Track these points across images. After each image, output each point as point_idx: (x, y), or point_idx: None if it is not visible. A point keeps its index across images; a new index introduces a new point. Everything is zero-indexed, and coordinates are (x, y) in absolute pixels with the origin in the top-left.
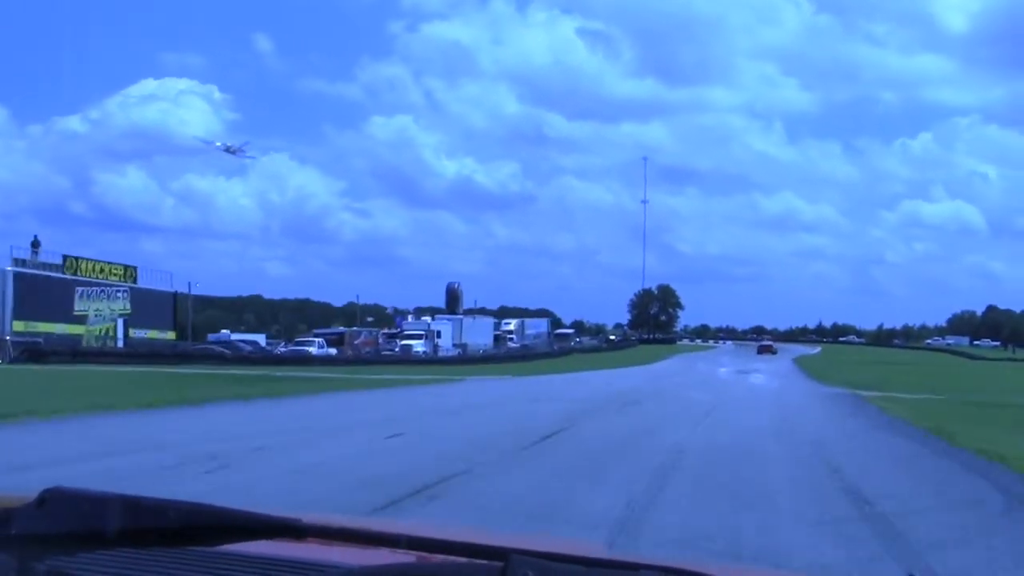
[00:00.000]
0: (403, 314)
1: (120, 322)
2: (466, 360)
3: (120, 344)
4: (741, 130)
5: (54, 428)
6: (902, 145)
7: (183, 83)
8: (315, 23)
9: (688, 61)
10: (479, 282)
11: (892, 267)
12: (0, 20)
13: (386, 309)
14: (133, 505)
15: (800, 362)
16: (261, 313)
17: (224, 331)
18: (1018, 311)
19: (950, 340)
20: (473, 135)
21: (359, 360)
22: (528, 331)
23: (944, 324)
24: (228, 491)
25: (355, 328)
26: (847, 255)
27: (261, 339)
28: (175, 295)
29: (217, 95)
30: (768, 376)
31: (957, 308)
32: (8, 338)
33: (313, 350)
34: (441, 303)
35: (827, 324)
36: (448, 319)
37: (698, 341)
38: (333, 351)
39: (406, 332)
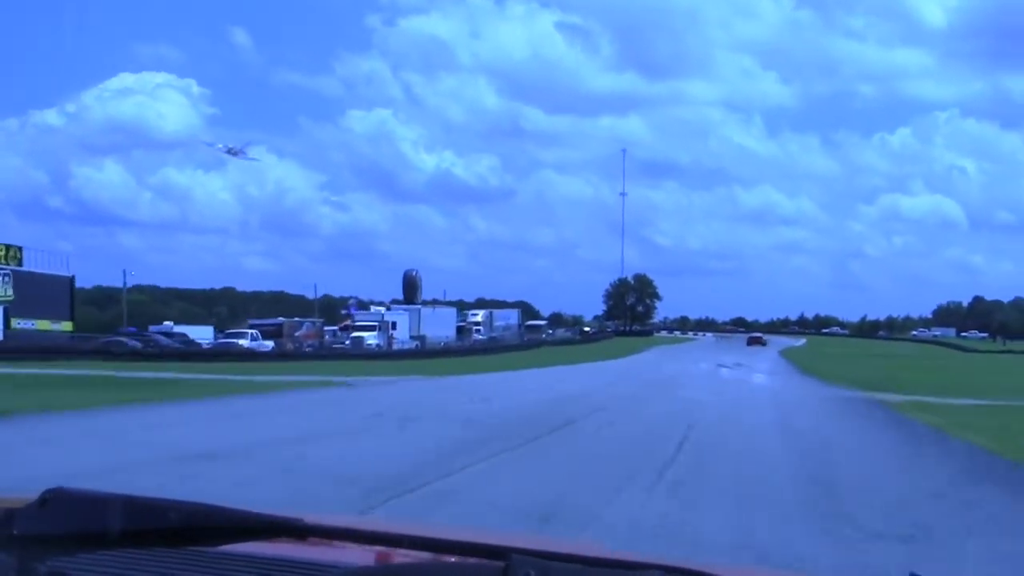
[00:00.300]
0: (367, 306)
1: None
2: (421, 354)
3: None
4: (720, 123)
5: None
6: (881, 139)
7: (161, 77)
8: (293, 17)
9: (666, 54)
10: (459, 276)
11: (871, 260)
12: None
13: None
14: (134, 505)
15: (788, 355)
16: (235, 306)
17: (167, 322)
18: (1006, 301)
19: (936, 332)
20: (452, 129)
21: (297, 355)
22: (497, 323)
23: (929, 315)
24: None
25: (296, 319)
26: (826, 249)
27: (208, 331)
28: (71, 281)
29: (195, 89)
30: (756, 373)
31: (936, 301)
32: None
33: (245, 343)
34: (442, 296)
35: (808, 316)
36: (405, 309)
37: (676, 333)
38: (269, 344)
39: (357, 323)
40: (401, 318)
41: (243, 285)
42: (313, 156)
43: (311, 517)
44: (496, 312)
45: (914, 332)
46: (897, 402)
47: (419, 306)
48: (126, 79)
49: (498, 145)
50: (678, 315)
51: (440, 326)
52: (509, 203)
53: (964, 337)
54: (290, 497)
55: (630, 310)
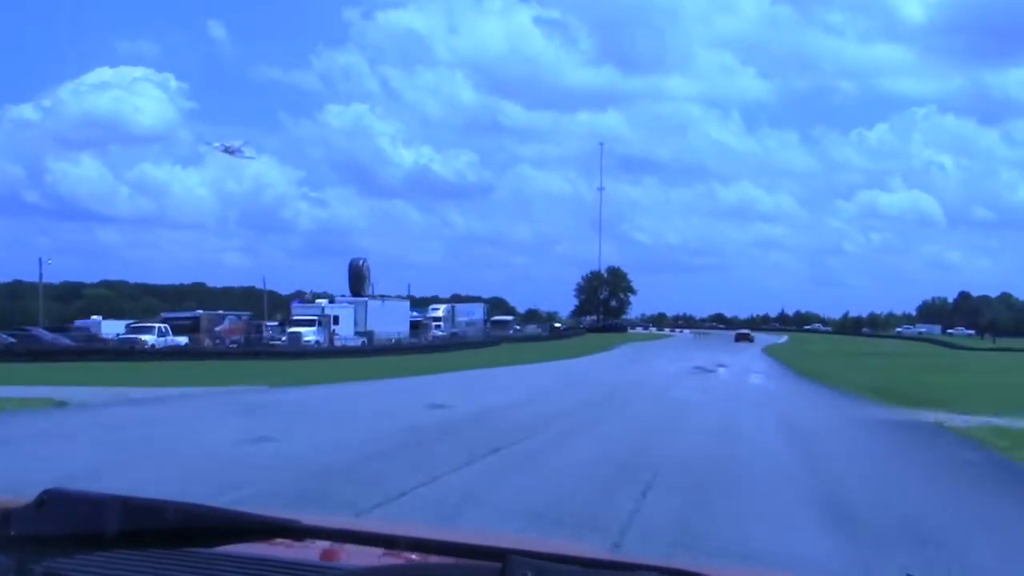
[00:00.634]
0: (314, 299)
1: None
2: (364, 351)
3: None
4: (699, 119)
5: None
6: (859, 135)
7: (139, 71)
8: (271, 10)
9: (645, 50)
10: (437, 271)
11: (850, 257)
12: None
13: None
14: (131, 506)
15: (776, 354)
16: (205, 302)
17: (95, 316)
18: (993, 297)
19: (922, 328)
20: (430, 124)
21: (213, 352)
22: (459, 318)
23: (913, 312)
24: None
25: (219, 312)
26: (805, 245)
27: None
28: None
29: (173, 84)
30: (744, 377)
31: (915, 297)
32: None
33: (150, 339)
34: (398, 290)
35: (788, 313)
36: (349, 302)
37: (652, 329)
38: (182, 340)
39: (295, 318)
40: (345, 312)
41: (221, 281)
42: (291, 151)
43: (308, 518)
44: (459, 307)
45: (898, 329)
46: (962, 426)
47: (366, 299)
48: (104, 73)
49: (476, 140)
50: (656, 311)
51: (391, 321)
52: (487, 199)
53: (950, 334)
54: None
55: (603, 305)
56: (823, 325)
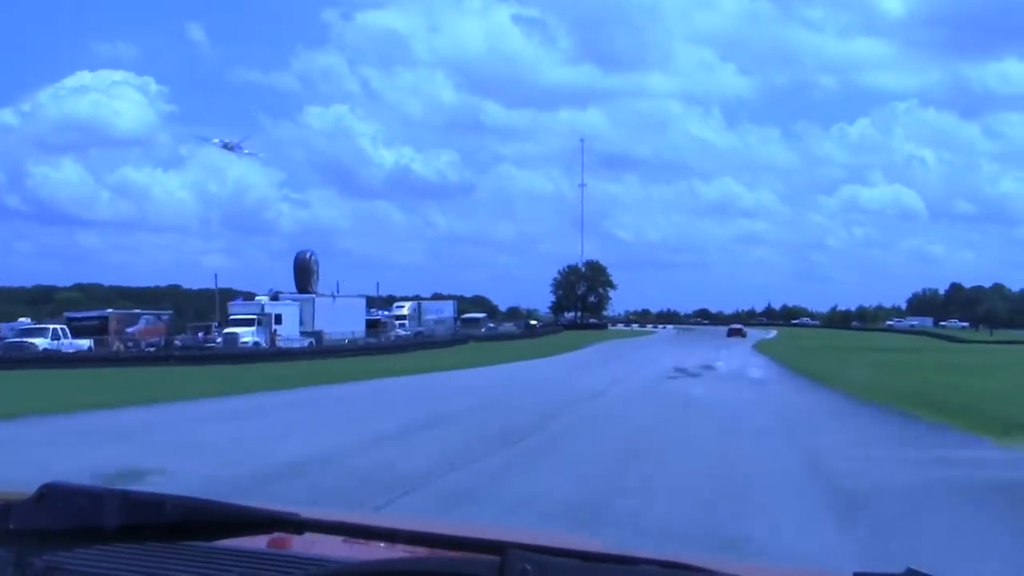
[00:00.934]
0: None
1: None
2: (310, 353)
3: None
4: (679, 116)
5: None
6: (840, 130)
7: (119, 74)
8: (250, 12)
9: (625, 47)
10: (419, 272)
11: (832, 251)
12: None
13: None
14: (131, 500)
15: (769, 351)
16: (181, 304)
17: (23, 319)
18: (987, 287)
19: (913, 321)
20: (410, 124)
21: (121, 357)
22: (427, 316)
23: (903, 305)
24: None
25: (133, 311)
26: (787, 240)
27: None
28: None
29: (153, 87)
30: (736, 386)
31: (898, 290)
32: None
33: (42, 342)
34: (375, 290)
35: (774, 307)
36: (294, 299)
37: (634, 326)
38: (84, 344)
39: (231, 317)
40: (288, 310)
41: (202, 284)
42: (272, 153)
43: (307, 512)
44: (426, 304)
45: (889, 322)
46: None
47: (313, 295)
48: (83, 77)
49: (457, 140)
50: (640, 308)
51: (343, 319)
52: (469, 198)
53: (943, 327)
54: None
55: (581, 301)
56: (811, 319)
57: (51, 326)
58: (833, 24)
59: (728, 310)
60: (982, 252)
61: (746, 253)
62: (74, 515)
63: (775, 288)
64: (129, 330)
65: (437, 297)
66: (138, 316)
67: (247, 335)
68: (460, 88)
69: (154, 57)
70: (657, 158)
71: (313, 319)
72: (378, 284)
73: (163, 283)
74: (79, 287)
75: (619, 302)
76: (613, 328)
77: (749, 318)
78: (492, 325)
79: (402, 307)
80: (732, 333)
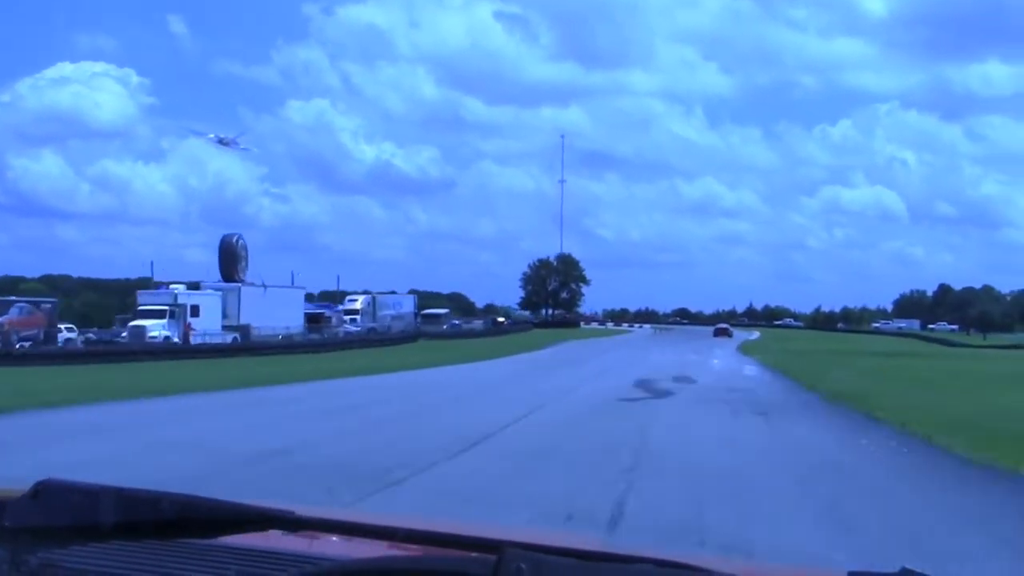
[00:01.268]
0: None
1: None
2: (232, 349)
3: None
4: (661, 115)
5: None
6: (822, 131)
7: (99, 66)
8: (230, 5)
9: (606, 44)
10: (399, 268)
11: (813, 252)
12: None
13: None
14: (126, 497)
15: (757, 353)
16: None
17: None
18: (977, 288)
19: (901, 324)
20: (391, 120)
21: None
22: (383, 311)
23: (889, 306)
24: None
25: (9, 297)
26: (768, 241)
27: None
28: None
29: (134, 79)
30: (721, 411)
31: (876, 290)
32: None
33: None
34: (335, 284)
35: (756, 307)
36: (216, 289)
37: (609, 324)
38: None
39: (139, 308)
40: (207, 301)
41: (179, 277)
42: (253, 146)
43: (303, 510)
44: (382, 298)
45: (875, 324)
46: None
47: (239, 285)
48: (64, 68)
49: (438, 136)
50: (620, 307)
51: (276, 313)
52: (450, 194)
53: (932, 329)
54: None
55: (553, 297)
56: (794, 320)
57: None
58: (815, 24)
59: (708, 310)
60: (963, 255)
61: (727, 253)
62: (70, 512)
63: (756, 288)
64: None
65: (413, 292)
66: (7, 304)
67: (156, 328)
68: (441, 84)
69: (135, 49)
70: (639, 157)
71: (239, 311)
72: (338, 277)
73: (142, 277)
74: (48, 278)
75: (598, 300)
76: (587, 327)
77: (730, 318)
78: (457, 322)
79: (354, 301)
80: (718, 333)
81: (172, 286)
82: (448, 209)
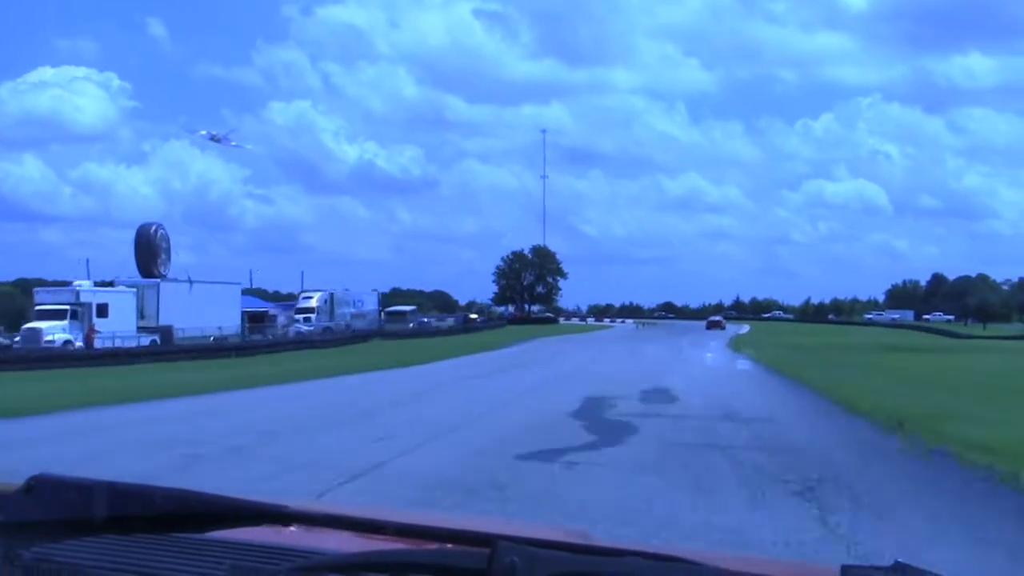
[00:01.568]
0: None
1: None
2: (149, 354)
3: None
4: (643, 111)
5: None
6: (804, 125)
7: (80, 70)
8: (209, 7)
9: (587, 41)
10: (383, 267)
11: (797, 246)
12: None
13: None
14: (119, 492)
15: (755, 352)
16: None
17: None
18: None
19: (894, 315)
20: (373, 120)
21: None
22: (341, 309)
23: (881, 297)
24: None
25: None
26: (753, 235)
27: None
28: None
29: (115, 82)
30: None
31: (861, 283)
32: None
33: None
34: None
35: (743, 300)
36: (130, 285)
37: (590, 320)
38: None
39: (37, 308)
40: (118, 299)
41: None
42: (235, 149)
43: (295, 504)
44: (341, 295)
45: (868, 316)
46: None
47: (158, 280)
48: (45, 73)
49: (420, 135)
50: (605, 303)
51: (205, 312)
52: (433, 193)
53: (927, 320)
54: None
55: (528, 291)
56: (783, 312)
57: None
58: (796, 18)
59: (694, 304)
60: (947, 246)
61: (712, 248)
62: (63, 507)
63: (740, 283)
64: None
65: (395, 292)
66: None
67: (55, 331)
68: (422, 83)
69: (116, 53)
70: (622, 153)
71: (158, 311)
72: (303, 273)
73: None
74: (23, 281)
75: (583, 296)
76: (566, 322)
77: (717, 312)
78: (427, 320)
79: (309, 298)
80: (711, 326)
81: (77, 283)
82: (431, 208)
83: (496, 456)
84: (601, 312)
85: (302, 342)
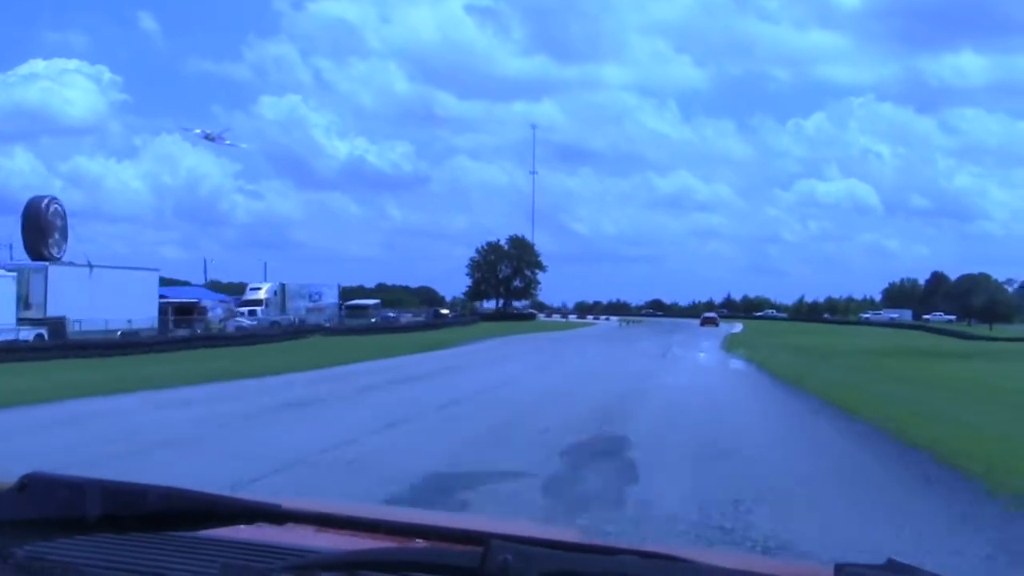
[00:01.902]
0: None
1: None
2: (16, 350)
3: None
4: (634, 108)
5: None
6: (796, 124)
7: (72, 63)
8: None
9: (578, 38)
10: (374, 264)
11: (788, 245)
12: None
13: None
14: (112, 490)
15: (759, 359)
16: None
17: None
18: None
19: (893, 314)
20: (364, 115)
21: None
22: (295, 301)
23: (878, 296)
24: None
25: None
26: (743, 234)
27: None
28: None
29: (107, 76)
30: None
31: (851, 283)
32: None
33: None
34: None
35: (734, 298)
36: (10, 268)
37: (572, 318)
38: None
39: None
40: None
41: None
42: (229, 147)
43: (289, 502)
44: (293, 287)
45: (864, 315)
46: None
47: (45, 264)
48: (36, 65)
49: (411, 131)
50: (593, 300)
51: (112, 301)
52: (424, 190)
53: (927, 320)
54: None
55: (504, 285)
56: (776, 311)
57: None
58: (788, 16)
59: (684, 302)
60: (937, 247)
61: (702, 246)
62: (56, 505)
63: (730, 281)
64: None
65: (381, 288)
66: None
67: None
68: (413, 79)
69: (107, 46)
70: (613, 150)
71: (46, 299)
72: (265, 264)
73: None
74: None
75: (572, 293)
76: (547, 319)
77: (707, 309)
78: (393, 315)
79: (257, 290)
80: (705, 322)
81: None
82: (422, 205)
83: None
84: (587, 309)
85: (234, 338)
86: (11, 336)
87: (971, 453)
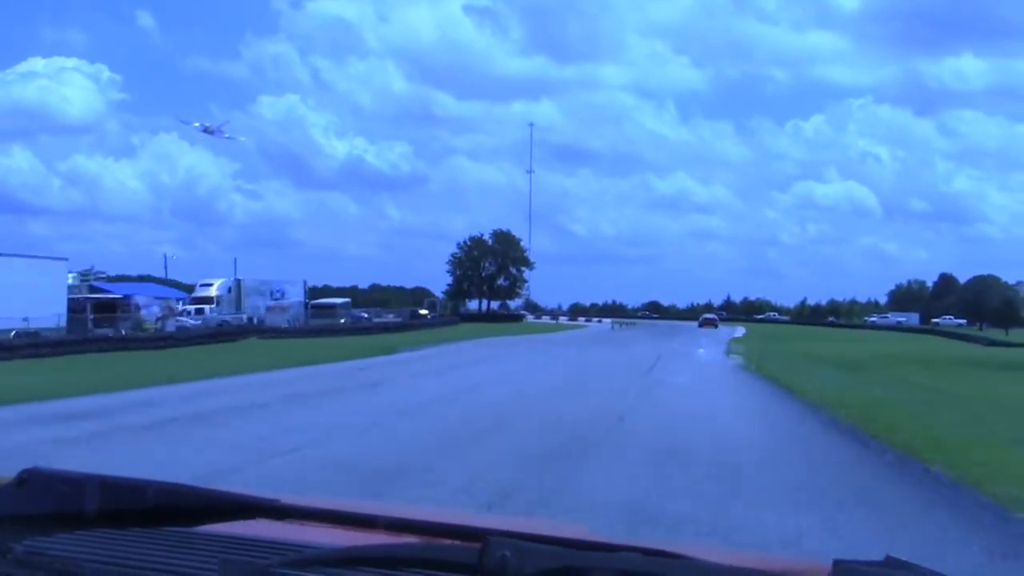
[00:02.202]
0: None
1: None
2: None
3: None
4: (633, 109)
5: None
6: (794, 125)
7: (71, 62)
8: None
9: (577, 38)
10: (372, 263)
11: (786, 247)
12: None
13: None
14: (111, 486)
15: (771, 367)
16: None
17: None
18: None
19: (900, 317)
20: (362, 115)
21: None
22: (251, 299)
23: (882, 299)
24: None
25: None
26: (741, 236)
27: None
28: None
29: (105, 74)
30: None
31: (849, 286)
32: None
33: None
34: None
35: (732, 301)
36: None
37: (562, 319)
38: None
39: None
40: None
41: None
42: (224, 143)
43: (287, 498)
44: (250, 283)
45: (871, 318)
46: None
47: None
48: (35, 64)
49: (409, 131)
50: (590, 302)
51: (10, 297)
52: (422, 190)
53: (935, 324)
54: None
55: (487, 283)
56: (778, 314)
57: None
58: (787, 17)
59: (681, 304)
60: (936, 250)
61: (699, 248)
62: (55, 500)
63: (727, 283)
64: None
65: (375, 287)
66: None
67: None
68: (412, 79)
69: (106, 45)
70: (611, 151)
71: None
72: (235, 260)
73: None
74: None
75: (569, 294)
76: (537, 320)
77: (705, 311)
78: (366, 314)
79: (208, 286)
80: (704, 324)
81: None
82: (420, 205)
83: None
84: (581, 311)
85: (148, 340)
86: None
87: None
